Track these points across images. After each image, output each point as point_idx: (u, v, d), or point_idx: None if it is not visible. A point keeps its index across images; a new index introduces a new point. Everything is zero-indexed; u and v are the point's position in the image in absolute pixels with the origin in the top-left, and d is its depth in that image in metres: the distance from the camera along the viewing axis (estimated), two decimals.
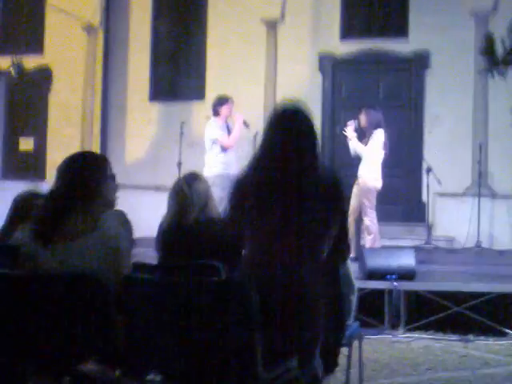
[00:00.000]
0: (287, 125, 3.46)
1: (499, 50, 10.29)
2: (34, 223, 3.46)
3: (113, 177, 3.70)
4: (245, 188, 3.45)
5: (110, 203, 3.65)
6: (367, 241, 9.32)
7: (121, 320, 3.22)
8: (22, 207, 4.69)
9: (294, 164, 3.32)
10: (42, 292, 3.24)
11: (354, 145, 9.54)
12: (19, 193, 4.81)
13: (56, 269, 3.31)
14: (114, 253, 3.37)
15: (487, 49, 10.50)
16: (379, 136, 9.43)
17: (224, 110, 9.40)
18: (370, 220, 9.33)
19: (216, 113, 9.47)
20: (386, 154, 9.52)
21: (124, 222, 3.48)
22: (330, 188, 3.39)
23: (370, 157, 9.43)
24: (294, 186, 3.28)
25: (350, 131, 9.60)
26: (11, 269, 3.44)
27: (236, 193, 3.51)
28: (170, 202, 4.62)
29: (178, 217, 4.52)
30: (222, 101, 9.48)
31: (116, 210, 3.57)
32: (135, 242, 3.55)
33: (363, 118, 9.61)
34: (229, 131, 9.48)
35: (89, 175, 3.56)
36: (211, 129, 9.42)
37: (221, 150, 9.33)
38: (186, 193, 4.55)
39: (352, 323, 4.54)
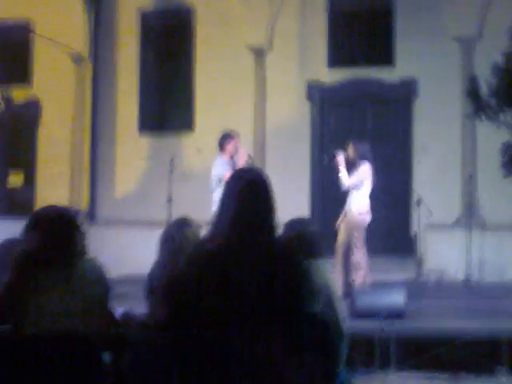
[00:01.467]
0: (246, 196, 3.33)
1: (484, 92, 10.31)
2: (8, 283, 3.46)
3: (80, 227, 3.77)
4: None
5: (82, 252, 3.68)
6: (358, 277, 9.25)
7: None
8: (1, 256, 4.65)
9: (249, 238, 3.21)
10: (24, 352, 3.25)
11: (342, 176, 9.50)
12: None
13: (35, 325, 3.33)
14: (91, 300, 3.39)
15: (472, 93, 10.52)
16: (364, 169, 9.42)
17: (230, 146, 9.38)
18: (359, 256, 9.28)
19: (222, 149, 9.44)
20: (372, 186, 9.51)
21: (98, 268, 3.55)
22: (288, 270, 3.22)
23: (357, 190, 9.40)
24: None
25: (340, 162, 9.54)
26: None
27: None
28: (160, 250, 4.54)
29: (168, 264, 4.44)
30: (227, 137, 9.45)
31: (89, 258, 3.61)
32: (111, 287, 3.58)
33: (351, 151, 9.61)
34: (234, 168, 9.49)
35: (64, 233, 3.61)
36: (217, 167, 9.35)
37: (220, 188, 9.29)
38: (175, 239, 4.47)
39: (342, 370, 4.50)
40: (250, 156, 9.51)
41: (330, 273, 4.77)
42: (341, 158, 9.57)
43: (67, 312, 3.33)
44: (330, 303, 4.53)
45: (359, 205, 9.42)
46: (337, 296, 4.68)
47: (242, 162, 9.34)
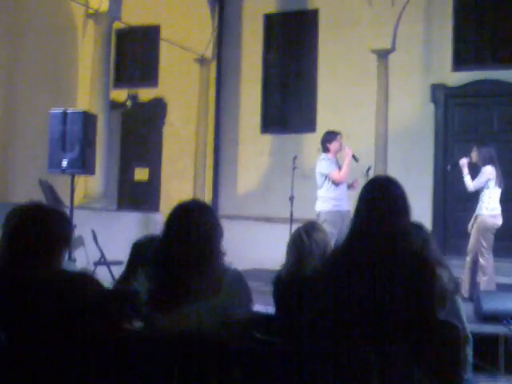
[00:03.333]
0: (379, 192, 3.41)
1: None
2: (153, 287, 3.41)
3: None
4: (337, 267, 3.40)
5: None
6: (482, 281, 9.11)
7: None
8: (141, 252, 4.83)
9: (383, 244, 3.26)
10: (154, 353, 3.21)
11: (466, 180, 9.41)
12: (137, 239, 4.95)
13: (169, 331, 3.28)
14: (230, 320, 3.34)
15: None
16: (486, 171, 9.27)
17: (333, 145, 9.41)
18: (486, 260, 9.13)
19: (325, 149, 9.48)
20: (501, 189, 9.36)
21: (243, 286, 3.46)
22: (419, 273, 3.24)
23: (485, 193, 9.27)
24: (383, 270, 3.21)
25: (463, 168, 9.47)
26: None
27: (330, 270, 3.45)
28: (289, 252, 4.63)
29: (297, 267, 4.52)
30: (330, 137, 9.48)
31: (235, 272, 3.49)
32: (251, 303, 3.53)
33: (475, 155, 9.47)
34: (338, 166, 9.47)
35: (208, 230, 3.48)
36: (322, 164, 9.42)
37: (332, 185, 9.31)
38: (305, 242, 4.55)
39: (470, 377, 4.47)
40: (354, 156, 9.49)
41: (453, 277, 4.72)
42: (464, 164, 9.47)
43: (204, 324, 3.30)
44: (453, 309, 4.52)
45: (490, 207, 9.28)
46: (460, 302, 4.66)
47: (347, 160, 9.34)
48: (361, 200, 3.41)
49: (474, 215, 9.43)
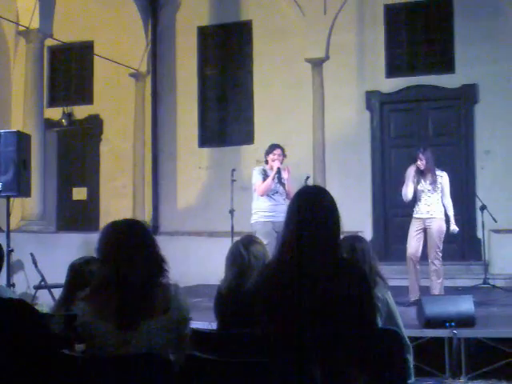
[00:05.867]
0: (308, 204, 3.37)
1: None
2: (116, 309, 3.31)
3: None
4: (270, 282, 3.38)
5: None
6: (436, 285, 9.17)
7: None
8: (78, 274, 4.74)
9: (314, 256, 3.22)
10: (107, 373, 3.19)
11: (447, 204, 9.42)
12: (74, 260, 4.87)
13: (120, 349, 3.24)
14: (182, 337, 3.34)
15: None
16: (447, 178, 9.35)
17: (269, 158, 9.42)
18: (440, 263, 9.21)
19: (265, 160, 9.52)
20: None
21: (185, 301, 3.43)
22: (355, 282, 3.23)
23: (440, 199, 9.32)
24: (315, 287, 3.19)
25: (411, 175, 9.43)
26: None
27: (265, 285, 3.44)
28: (228, 266, 4.59)
29: (237, 281, 4.49)
30: (268, 149, 9.52)
31: (176, 287, 3.44)
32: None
33: (424, 163, 9.38)
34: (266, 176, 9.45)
35: (150, 245, 3.45)
36: (253, 174, 9.50)
37: (257, 196, 9.35)
38: (244, 256, 4.53)
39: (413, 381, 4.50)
40: (279, 169, 9.37)
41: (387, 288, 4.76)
42: (412, 171, 9.44)
43: (155, 342, 3.26)
44: (390, 317, 4.55)
45: (443, 212, 9.35)
46: (396, 309, 4.71)
47: (271, 174, 9.31)
48: (289, 210, 3.40)
49: (425, 217, 9.34)
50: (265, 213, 9.15)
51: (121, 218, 3.57)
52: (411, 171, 9.38)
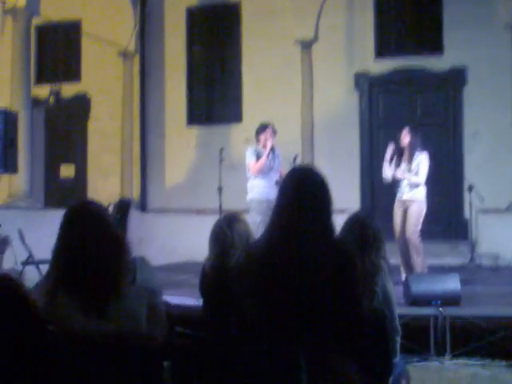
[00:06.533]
0: (300, 185, 3.35)
1: None
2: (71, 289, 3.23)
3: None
4: (256, 264, 3.37)
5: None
6: (418, 262, 9.22)
7: None
8: None
9: (303, 238, 3.21)
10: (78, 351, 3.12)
11: (411, 178, 9.39)
12: None
13: (90, 332, 3.15)
14: (152, 310, 3.27)
15: None
16: (427, 159, 9.34)
17: (261, 137, 9.47)
18: (420, 242, 9.26)
19: (257, 139, 9.55)
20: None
21: (152, 271, 3.37)
22: (341, 268, 3.21)
23: (422, 181, 9.34)
24: (303, 268, 3.18)
25: (388, 154, 9.50)
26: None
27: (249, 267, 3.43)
28: (211, 245, 4.56)
29: (220, 259, 4.48)
30: (259, 129, 9.57)
31: (141, 259, 3.37)
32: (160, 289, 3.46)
33: (408, 138, 9.43)
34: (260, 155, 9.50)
35: (113, 227, 3.35)
36: (246, 155, 9.51)
37: (253, 175, 9.39)
38: (227, 234, 4.50)
39: (398, 361, 4.52)
40: (272, 148, 9.44)
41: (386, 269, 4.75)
42: (390, 150, 9.49)
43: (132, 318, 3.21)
44: (386, 301, 4.55)
45: (424, 193, 9.38)
46: (393, 295, 4.69)
47: (265, 153, 9.36)
48: (281, 191, 3.39)
49: (404, 199, 9.41)
50: (259, 189, 9.20)
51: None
52: (388, 151, 9.45)
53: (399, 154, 9.45)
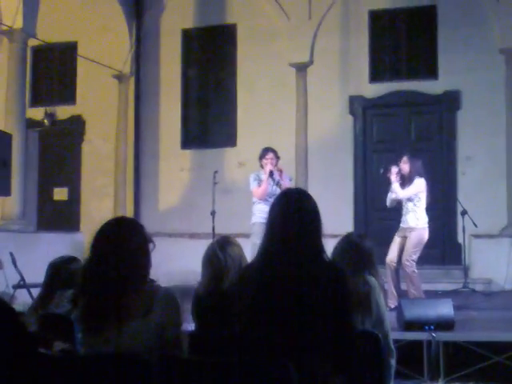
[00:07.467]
0: (290, 206, 3.37)
1: None
2: (85, 306, 3.25)
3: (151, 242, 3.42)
4: (249, 282, 3.39)
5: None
6: (411, 292, 9.21)
7: None
8: (57, 273, 4.73)
9: (291, 256, 3.24)
10: (87, 373, 3.12)
11: (395, 188, 9.46)
12: (53, 260, 4.85)
13: (101, 349, 3.16)
14: (163, 341, 3.22)
15: None
16: (420, 184, 9.37)
17: (262, 162, 9.61)
18: (413, 269, 9.26)
19: (260, 164, 9.64)
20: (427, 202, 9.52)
21: (175, 305, 3.30)
22: (333, 284, 3.23)
23: (414, 205, 9.36)
24: (293, 285, 3.20)
25: (393, 176, 9.53)
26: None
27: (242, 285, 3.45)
28: (204, 268, 4.57)
29: (214, 282, 4.48)
30: (261, 154, 9.78)
31: (167, 291, 3.32)
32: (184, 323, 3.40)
33: (406, 166, 9.51)
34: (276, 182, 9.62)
35: (137, 247, 3.32)
36: (249, 180, 9.61)
37: (255, 199, 9.48)
38: (220, 258, 4.51)
39: None
40: (271, 172, 9.52)
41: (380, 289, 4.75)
42: (393, 172, 9.54)
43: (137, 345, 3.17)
44: (379, 320, 4.54)
45: (425, 221, 9.41)
46: (386, 313, 4.68)
47: (264, 178, 9.46)
48: (271, 213, 3.40)
49: (405, 227, 9.47)
50: (261, 214, 9.27)
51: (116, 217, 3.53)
52: (393, 174, 9.49)
53: (401, 181, 9.51)
